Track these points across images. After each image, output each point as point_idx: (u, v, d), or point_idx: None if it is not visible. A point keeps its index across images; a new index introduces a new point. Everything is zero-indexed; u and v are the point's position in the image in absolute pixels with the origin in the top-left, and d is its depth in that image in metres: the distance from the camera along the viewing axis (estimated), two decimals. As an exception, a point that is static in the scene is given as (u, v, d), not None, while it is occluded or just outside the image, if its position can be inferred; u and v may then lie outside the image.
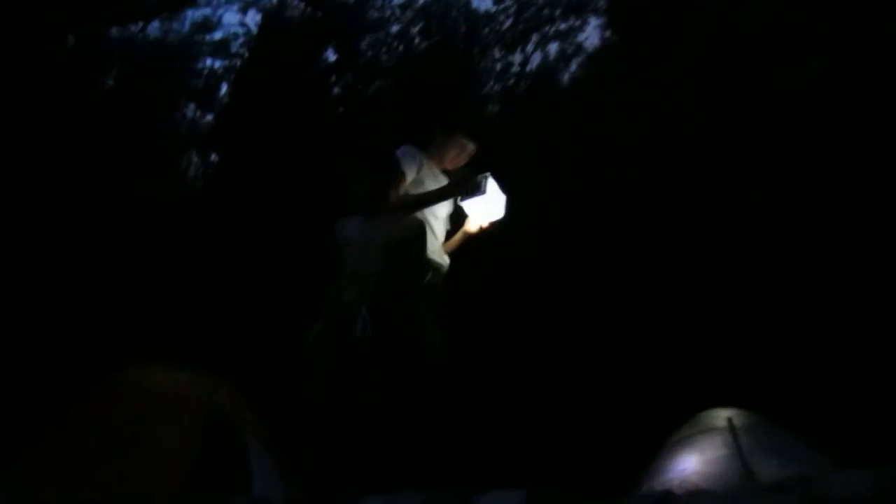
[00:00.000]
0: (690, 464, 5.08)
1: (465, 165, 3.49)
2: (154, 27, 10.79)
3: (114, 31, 10.43)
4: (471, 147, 3.57)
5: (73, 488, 3.09)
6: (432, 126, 3.65)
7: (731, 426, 5.27)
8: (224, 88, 11.56)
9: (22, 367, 6.21)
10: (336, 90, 11.28)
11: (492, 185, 3.30)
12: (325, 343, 3.42)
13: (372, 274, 3.45)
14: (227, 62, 11.41)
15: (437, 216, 3.43)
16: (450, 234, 3.54)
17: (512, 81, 12.25)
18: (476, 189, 3.27)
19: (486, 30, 12.00)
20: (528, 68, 12.19)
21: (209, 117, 11.54)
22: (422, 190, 3.36)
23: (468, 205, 3.37)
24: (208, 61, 11.44)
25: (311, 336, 3.55)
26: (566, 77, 12.27)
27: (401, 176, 3.31)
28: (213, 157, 11.44)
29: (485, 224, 3.43)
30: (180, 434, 3.60)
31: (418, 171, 3.37)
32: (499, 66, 12.25)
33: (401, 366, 3.18)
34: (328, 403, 3.31)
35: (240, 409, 4.18)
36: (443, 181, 3.49)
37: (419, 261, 3.44)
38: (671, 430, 5.62)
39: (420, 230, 3.49)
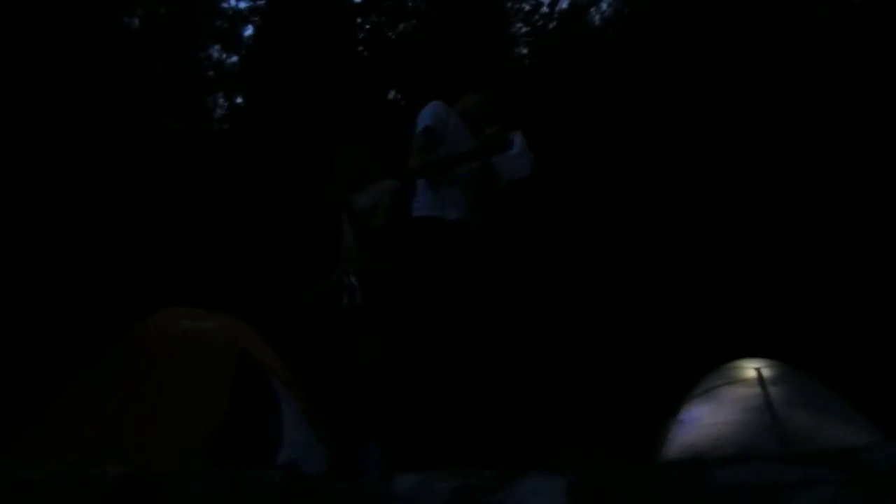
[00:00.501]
0: (718, 415, 5.07)
1: (495, 118, 3.40)
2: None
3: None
4: (499, 100, 3.51)
5: (104, 439, 3.16)
6: (460, 81, 3.60)
7: (759, 377, 5.23)
8: (249, 29, 11.46)
9: (49, 315, 6.30)
10: (361, 33, 11.10)
11: (520, 142, 3.23)
12: (320, 311, 3.58)
13: (355, 243, 3.75)
14: (251, 3, 11.25)
15: (462, 174, 3.37)
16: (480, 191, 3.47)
17: (540, 22, 11.96)
18: (505, 146, 3.21)
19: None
20: (558, 7, 11.88)
21: (234, 59, 11.48)
22: (453, 146, 3.30)
23: (496, 161, 3.29)
24: (233, 1, 11.31)
25: (303, 300, 3.85)
26: (597, 17, 11.99)
27: (425, 135, 3.23)
28: (239, 99, 11.43)
29: (511, 181, 3.37)
30: (211, 381, 3.64)
31: (446, 128, 3.28)
32: (527, 7, 11.97)
33: (389, 329, 3.31)
34: (337, 372, 3.47)
35: (267, 355, 4.22)
36: (471, 137, 3.42)
37: (396, 223, 3.59)
38: (695, 380, 5.61)
39: (394, 194, 3.69)
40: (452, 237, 3.16)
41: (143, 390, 3.51)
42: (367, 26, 11.18)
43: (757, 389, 5.09)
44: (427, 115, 3.27)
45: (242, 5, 11.32)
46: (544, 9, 11.76)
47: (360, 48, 11.03)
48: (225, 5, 11.27)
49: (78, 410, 3.47)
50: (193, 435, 3.32)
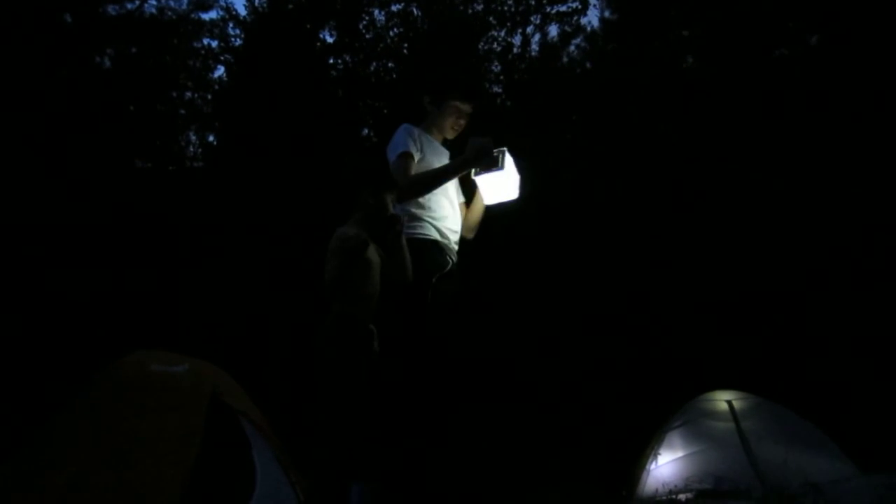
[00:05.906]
0: (692, 448, 5.11)
1: (469, 132, 3.27)
2: (150, 5, 10.60)
3: (111, 9, 10.24)
4: (467, 108, 3.37)
5: (73, 486, 3.10)
6: (420, 98, 3.45)
7: (731, 409, 5.29)
8: (221, 69, 11.47)
9: (21, 354, 6.19)
10: (334, 72, 11.17)
11: (509, 161, 3.11)
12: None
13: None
14: (222, 43, 11.24)
15: (448, 193, 3.27)
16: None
17: (513, 61, 12.15)
18: (493, 164, 3.07)
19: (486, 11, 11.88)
20: (529, 49, 12.11)
21: (207, 97, 11.44)
22: (426, 167, 3.19)
23: (482, 180, 3.17)
24: (205, 41, 11.28)
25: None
26: (565, 57, 12.26)
27: (405, 157, 3.14)
28: (211, 137, 11.42)
29: (496, 202, 3.27)
30: (183, 424, 3.58)
31: (420, 150, 3.21)
32: (498, 48, 12.16)
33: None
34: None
35: (240, 399, 4.17)
36: (445, 154, 3.36)
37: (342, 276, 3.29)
38: (665, 415, 5.65)
39: (336, 239, 3.34)
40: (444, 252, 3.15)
41: (112, 436, 3.44)
42: (340, 66, 11.27)
43: (730, 423, 5.17)
44: (400, 142, 3.20)
45: (214, 44, 11.22)
46: (516, 49, 11.96)
47: (333, 87, 11.09)
48: (197, 44, 11.23)
49: (47, 456, 3.39)
50: (164, 481, 3.26)
